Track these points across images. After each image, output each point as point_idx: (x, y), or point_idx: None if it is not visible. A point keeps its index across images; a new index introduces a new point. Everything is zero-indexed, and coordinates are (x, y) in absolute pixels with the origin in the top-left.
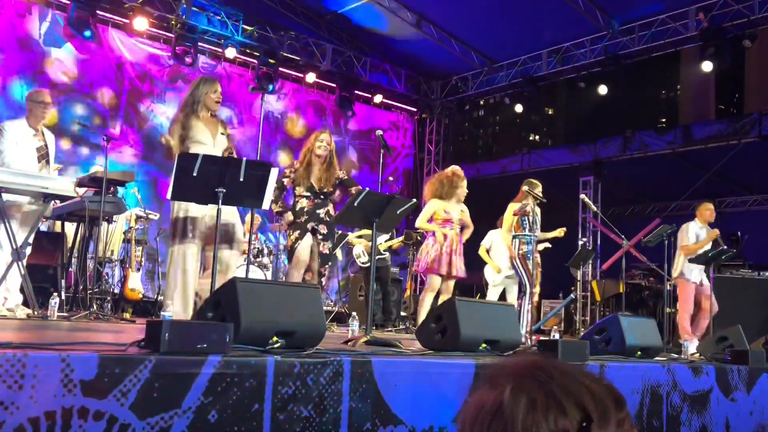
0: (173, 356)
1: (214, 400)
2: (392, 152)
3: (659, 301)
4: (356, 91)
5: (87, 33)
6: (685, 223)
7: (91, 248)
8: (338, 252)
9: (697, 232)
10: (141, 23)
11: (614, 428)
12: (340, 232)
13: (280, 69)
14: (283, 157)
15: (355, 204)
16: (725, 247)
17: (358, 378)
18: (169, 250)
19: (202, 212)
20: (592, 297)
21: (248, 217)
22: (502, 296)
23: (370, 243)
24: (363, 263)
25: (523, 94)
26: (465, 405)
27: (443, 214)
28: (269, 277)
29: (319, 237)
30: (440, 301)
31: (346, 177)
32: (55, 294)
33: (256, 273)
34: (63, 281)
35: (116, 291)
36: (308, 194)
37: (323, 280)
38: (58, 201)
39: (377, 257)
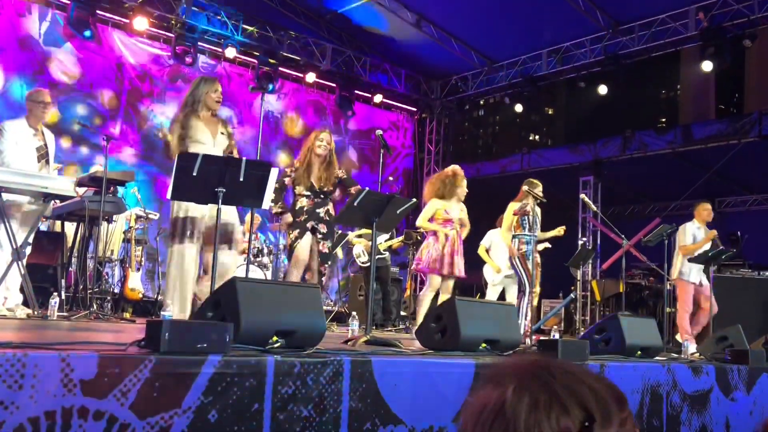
0: (173, 356)
1: (214, 399)
2: (392, 152)
3: (659, 300)
4: (356, 91)
5: (87, 33)
6: (685, 223)
7: (91, 248)
8: (339, 251)
9: (694, 233)
10: (141, 23)
11: (616, 427)
12: (340, 231)
13: (280, 69)
14: (283, 157)
15: (355, 204)
16: (722, 247)
17: (358, 378)
18: (168, 250)
19: (202, 212)
20: (592, 297)
21: (248, 217)
22: (502, 296)
23: (370, 243)
24: (363, 263)
25: (523, 94)
26: (467, 405)
27: (444, 214)
28: (269, 277)
29: (319, 236)
30: (440, 301)
31: (345, 176)
32: (55, 294)
33: (256, 273)
34: (63, 281)
35: (116, 291)
36: (308, 193)
37: (323, 279)
38: (58, 201)
39: (377, 257)
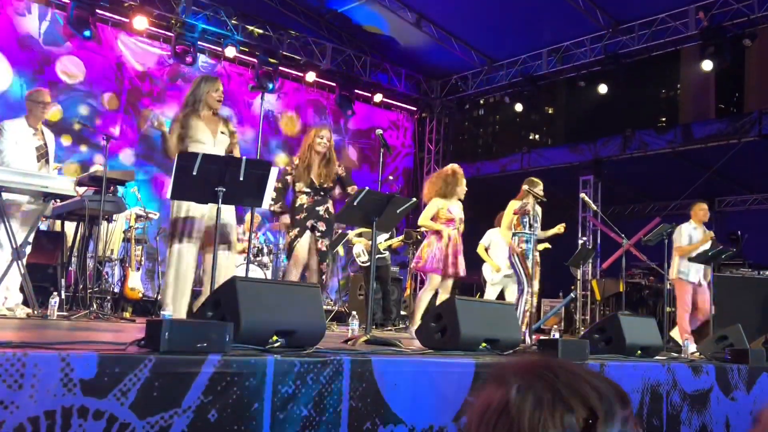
0: (173, 355)
1: (214, 399)
2: (392, 151)
3: (659, 300)
4: (356, 90)
5: (87, 32)
6: (682, 224)
7: (91, 247)
8: (340, 249)
9: (690, 233)
10: (141, 22)
11: (620, 425)
12: (339, 231)
13: (280, 68)
14: (283, 157)
15: (355, 203)
16: (722, 246)
17: (357, 377)
18: (168, 250)
19: (201, 212)
20: (592, 296)
21: (248, 216)
22: (501, 295)
23: (369, 242)
24: (363, 262)
25: (523, 93)
26: (471, 404)
27: (447, 213)
28: (269, 277)
29: (318, 234)
30: (439, 300)
31: (344, 174)
32: (55, 293)
33: (256, 272)
34: (63, 280)
35: (116, 290)
36: (308, 190)
37: (323, 277)
38: (57, 200)
39: (377, 256)
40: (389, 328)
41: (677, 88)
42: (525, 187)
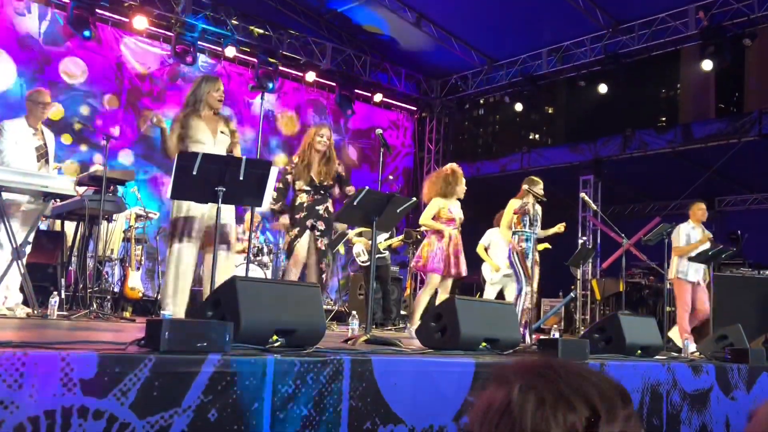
0: (173, 355)
1: (214, 398)
2: (392, 151)
3: (659, 299)
4: (356, 90)
5: (86, 32)
6: (680, 224)
7: (91, 247)
8: (341, 247)
9: (688, 233)
10: (140, 22)
11: (621, 423)
12: (339, 231)
13: (280, 68)
14: (282, 157)
15: (355, 203)
16: (722, 246)
17: (358, 377)
18: (168, 250)
19: (201, 212)
20: (592, 296)
21: (248, 216)
22: (500, 294)
23: (369, 242)
24: (363, 262)
25: (523, 93)
26: (473, 405)
27: (448, 213)
28: (269, 276)
29: (317, 233)
30: (438, 300)
31: (344, 173)
32: (55, 293)
33: (256, 272)
34: (63, 280)
35: (116, 290)
36: (308, 188)
37: (324, 276)
38: (57, 200)
39: (377, 256)
40: (389, 327)
41: (677, 88)
42: (525, 186)
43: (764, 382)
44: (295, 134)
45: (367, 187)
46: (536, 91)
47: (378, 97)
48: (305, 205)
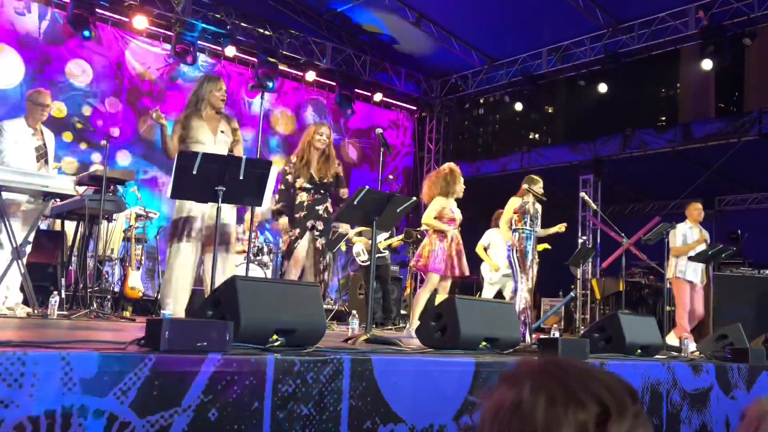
0: (173, 354)
1: (214, 398)
2: (392, 151)
3: (659, 299)
4: (356, 90)
5: (86, 32)
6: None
7: (91, 247)
8: (342, 246)
9: (685, 233)
10: (140, 22)
11: (631, 420)
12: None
13: (280, 67)
14: (282, 156)
15: (355, 202)
16: (721, 246)
17: (358, 376)
18: (168, 249)
19: (202, 211)
20: (592, 295)
21: (248, 216)
22: (499, 294)
23: (369, 241)
24: (363, 262)
25: (523, 93)
26: (483, 405)
27: (449, 213)
28: (269, 276)
29: (316, 233)
30: (437, 300)
31: (341, 174)
32: (55, 292)
33: (256, 271)
34: (63, 280)
35: (116, 289)
36: (309, 186)
37: (324, 276)
38: (57, 199)
39: (377, 255)
40: (389, 327)
41: (677, 88)
42: (525, 185)
43: (764, 381)
44: (294, 134)
45: (367, 187)
46: (536, 91)
47: (378, 97)
48: (305, 204)
